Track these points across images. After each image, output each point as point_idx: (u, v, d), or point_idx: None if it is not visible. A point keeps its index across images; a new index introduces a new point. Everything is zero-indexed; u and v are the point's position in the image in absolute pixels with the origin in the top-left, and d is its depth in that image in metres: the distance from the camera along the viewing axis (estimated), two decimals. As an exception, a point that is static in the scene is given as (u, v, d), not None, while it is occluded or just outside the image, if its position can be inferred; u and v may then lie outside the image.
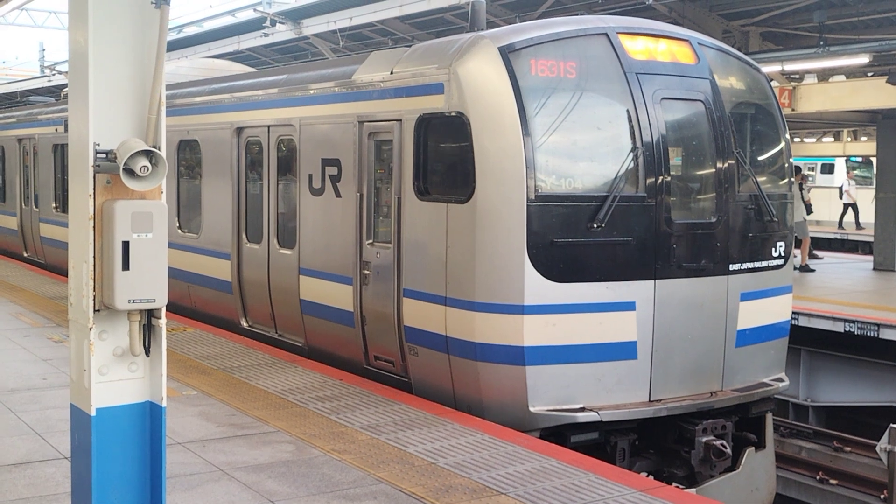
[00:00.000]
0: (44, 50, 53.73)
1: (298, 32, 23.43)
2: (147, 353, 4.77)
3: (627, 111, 8.81)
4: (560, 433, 8.47)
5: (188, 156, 13.66)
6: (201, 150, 12.99)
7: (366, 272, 9.88)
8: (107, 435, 4.69)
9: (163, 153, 4.61)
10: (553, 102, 8.63)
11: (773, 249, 9.65)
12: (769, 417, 9.83)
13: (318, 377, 9.82)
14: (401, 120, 9.34)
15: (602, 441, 8.65)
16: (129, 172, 4.50)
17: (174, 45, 28.50)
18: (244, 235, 12.17)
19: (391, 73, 9.61)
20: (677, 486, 8.87)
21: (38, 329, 12.28)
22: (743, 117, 9.81)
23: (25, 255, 20.74)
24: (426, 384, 9.23)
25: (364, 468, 7.06)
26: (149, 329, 4.76)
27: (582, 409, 8.50)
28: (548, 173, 8.51)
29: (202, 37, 28.86)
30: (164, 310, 4.75)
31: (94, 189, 4.60)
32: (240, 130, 12.16)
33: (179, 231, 13.62)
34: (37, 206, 19.83)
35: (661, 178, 8.82)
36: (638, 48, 9.06)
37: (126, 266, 4.53)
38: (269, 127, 11.57)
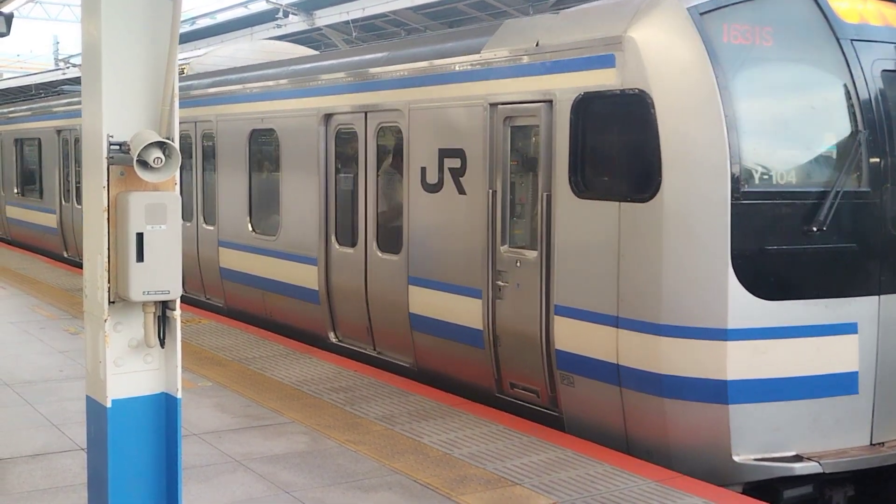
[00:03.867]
0: (58, 43, 52.83)
1: (311, 23, 23.41)
2: (162, 344, 4.66)
3: (844, 86, 6.89)
4: (767, 486, 6.62)
5: (262, 146, 11.73)
6: (279, 141, 11.04)
7: (500, 283, 7.98)
8: (122, 426, 4.61)
9: (176, 144, 4.45)
10: (755, 76, 6.70)
11: None
12: None
13: (333, 368, 9.39)
14: (551, 101, 7.40)
15: (816, 496, 6.79)
16: (143, 164, 4.37)
17: (187, 37, 28.17)
18: (333, 238, 10.25)
19: (536, 45, 7.68)
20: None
21: (53, 321, 11.87)
22: None
23: (66, 255, 18.55)
24: (585, 420, 7.34)
25: (379, 459, 6.85)
26: (163, 320, 4.64)
27: (797, 458, 6.62)
28: (755, 164, 6.60)
29: (215, 28, 29.35)
30: (178, 301, 4.61)
31: (108, 181, 4.49)
32: (328, 117, 10.20)
33: (252, 232, 11.72)
34: (79, 203, 17.77)
35: (887, 169, 6.91)
36: (846, 8, 7.14)
37: (140, 258, 4.44)
38: (366, 113, 9.63)
